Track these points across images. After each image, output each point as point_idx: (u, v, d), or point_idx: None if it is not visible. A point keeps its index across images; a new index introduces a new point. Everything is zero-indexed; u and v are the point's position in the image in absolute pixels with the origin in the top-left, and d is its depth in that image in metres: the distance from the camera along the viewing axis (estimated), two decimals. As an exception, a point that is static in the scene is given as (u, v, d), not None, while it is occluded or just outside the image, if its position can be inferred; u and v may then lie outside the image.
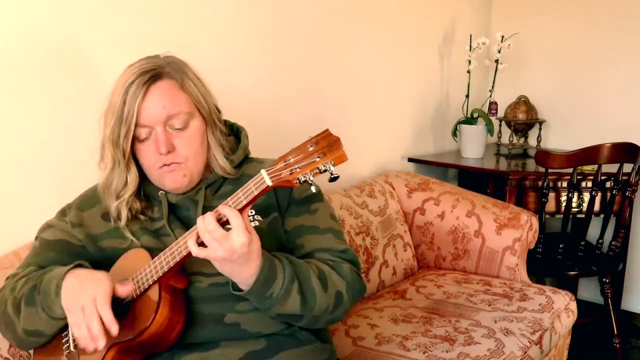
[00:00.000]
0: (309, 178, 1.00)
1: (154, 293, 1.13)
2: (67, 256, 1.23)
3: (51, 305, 1.13)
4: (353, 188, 2.30)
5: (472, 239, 2.30)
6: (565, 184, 2.55)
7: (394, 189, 2.44)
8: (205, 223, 1.03)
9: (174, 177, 1.21)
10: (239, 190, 1.05)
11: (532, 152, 3.00)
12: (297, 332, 1.25)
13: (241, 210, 1.05)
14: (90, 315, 1.07)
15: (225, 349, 1.19)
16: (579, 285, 3.17)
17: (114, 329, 1.08)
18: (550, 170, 2.39)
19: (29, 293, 1.17)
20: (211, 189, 1.27)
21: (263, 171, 1.02)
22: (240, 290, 1.12)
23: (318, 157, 0.99)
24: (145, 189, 1.27)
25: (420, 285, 2.17)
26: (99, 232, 1.27)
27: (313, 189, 1.04)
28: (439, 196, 2.39)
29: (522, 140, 3.10)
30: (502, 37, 2.78)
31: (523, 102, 3.03)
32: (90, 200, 1.31)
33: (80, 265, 1.17)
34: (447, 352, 1.66)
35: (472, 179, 2.88)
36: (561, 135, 3.14)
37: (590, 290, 3.14)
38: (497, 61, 2.83)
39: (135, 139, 1.19)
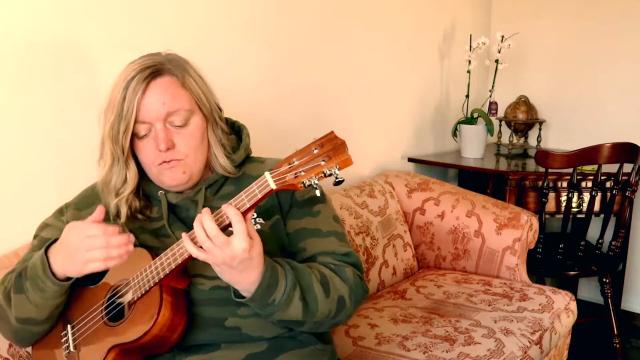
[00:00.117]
0: (314, 182, 0.98)
1: (155, 295, 1.12)
2: None
3: (42, 286, 1.13)
4: (353, 188, 2.30)
5: (472, 239, 2.30)
6: (565, 184, 2.55)
7: (394, 189, 2.44)
8: (206, 228, 1.01)
9: (173, 174, 1.20)
10: (242, 193, 1.04)
11: (532, 152, 3.00)
12: (299, 335, 1.24)
13: (244, 214, 1.03)
14: (102, 243, 1.07)
15: (226, 351, 1.19)
16: (579, 285, 3.17)
17: (124, 236, 1.08)
18: (550, 170, 2.39)
19: (15, 281, 1.18)
20: (212, 189, 1.26)
21: (267, 174, 1.01)
22: (242, 297, 1.10)
23: (323, 160, 0.98)
24: (144, 188, 1.26)
25: (420, 285, 2.17)
26: None
27: (317, 192, 1.02)
28: (439, 196, 2.39)
29: (522, 140, 3.10)
30: (502, 37, 2.78)
31: (523, 102, 3.03)
32: (88, 199, 1.30)
33: (56, 240, 1.17)
34: (447, 352, 1.66)
35: (472, 179, 2.88)
36: (561, 135, 3.14)
37: (590, 290, 3.14)
38: (497, 61, 2.83)
39: (134, 136, 1.18)
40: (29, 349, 1.30)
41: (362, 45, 2.48)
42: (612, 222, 2.56)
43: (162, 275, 1.11)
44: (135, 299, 1.14)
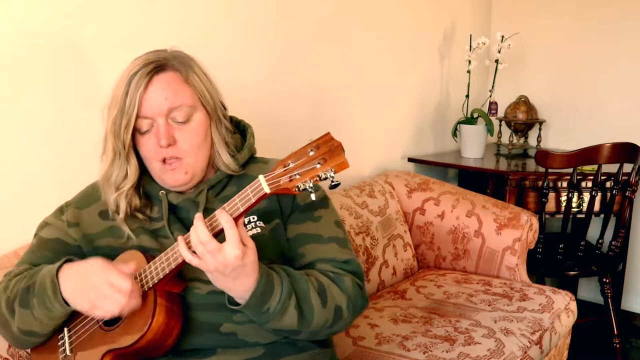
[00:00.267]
0: (309, 186, 0.96)
1: (149, 299, 1.11)
2: (62, 255, 1.21)
3: (50, 307, 1.13)
4: (353, 188, 2.30)
5: (472, 239, 2.30)
6: (565, 184, 2.55)
7: (394, 189, 2.44)
8: (199, 234, 1.00)
9: (175, 175, 1.19)
10: (235, 197, 1.02)
11: (532, 152, 3.00)
12: (296, 340, 1.22)
13: (237, 219, 1.02)
14: (118, 297, 1.07)
15: (222, 357, 1.18)
16: (579, 285, 3.17)
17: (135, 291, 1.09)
18: (550, 170, 2.39)
19: (22, 294, 1.17)
20: (213, 190, 1.24)
21: (261, 177, 0.99)
22: (236, 304, 1.09)
23: (319, 163, 0.95)
24: (145, 187, 1.25)
25: (420, 285, 2.17)
26: (95, 232, 1.26)
27: (313, 197, 1.00)
28: (439, 196, 2.39)
29: (522, 140, 3.10)
30: (502, 37, 2.78)
31: (523, 102, 3.03)
32: (88, 198, 1.30)
33: (69, 260, 1.17)
34: (447, 352, 1.66)
35: (472, 179, 2.88)
36: (561, 135, 3.14)
37: (590, 290, 3.14)
38: (497, 61, 2.83)
39: (137, 131, 1.17)
40: (29, 350, 1.30)
41: (362, 45, 2.48)
42: (612, 222, 2.56)
43: (156, 280, 1.10)
44: None
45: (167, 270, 1.09)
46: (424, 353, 1.66)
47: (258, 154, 1.34)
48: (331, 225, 1.26)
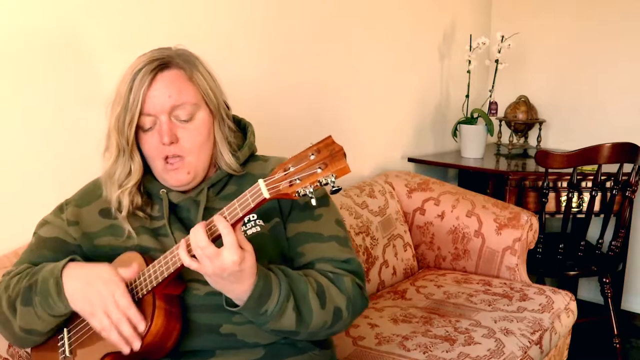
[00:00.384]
0: (309, 191, 0.95)
1: (148, 302, 1.11)
2: (61, 254, 1.21)
3: (53, 305, 1.13)
4: (353, 188, 2.30)
5: (472, 239, 2.30)
6: (565, 184, 2.55)
7: (394, 189, 2.44)
8: (196, 239, 1.00)
9: (177, 175, 1.19)
10: (235, 201, 1.02)
11: (532, 152, 3.00)
12: (296, 341, 1.22)
13: (235, 224, 1.01)
14: (118, 319, 1.08)
15: (221, 358, 1.18)
16: (579, 285, 3.17)
17: (142, 326, 1.08)
18: (550, 170, 2.39)
19: (24, 292, 1.17)
20: (214, 189, 1.24)
21: (261, 182, 0.99)
22: (235, 305, 1.09)
23: (319, 167, 0.94)
24: (146, 186, 1.24)
25: (420, 285, 2.17)
26: (95, 230, 1.25)
27: (314, 202, 0.99)
28: (439, 196, 2.39)
29: (522, 140, 3.10)
30: (502, 37, 2.78)
31: (523, 102, 3.03)
32: (89, 195, 1.30)
33: (72, 260, 1.17)
34: (447, 352, 1.66)
35: (472, 179, 2.88)
36: (561, 135, 3.14)
37: (590, 290, 3.14)
38: (497, 61, 2.83)
39: (140, 129, 1.17)
40: (28, 349, 1.30)
41: (362, 45, 2.48)
42: (612, 222, 2.56)
43: (154, 283, 1.10)
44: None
45: (165, 274, 1.09)
46: (424, 353, 1.66)
47: (258, 153, 1.33)
48: (331, 223, 1.26)
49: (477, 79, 3.02)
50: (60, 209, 1.29)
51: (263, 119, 1.93)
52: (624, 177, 2.42)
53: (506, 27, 2.94)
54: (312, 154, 0.95)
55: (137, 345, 1.08)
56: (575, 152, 2.30)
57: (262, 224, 1.21)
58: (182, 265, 1.06)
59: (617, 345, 2.55)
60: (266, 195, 0.98)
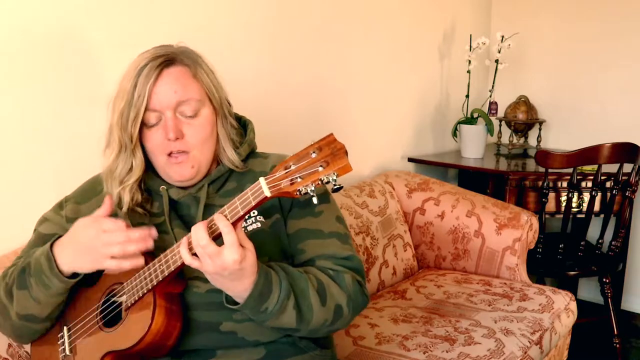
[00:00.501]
0: (310, 190, 0.95)
1: (148, 300, 1.11)
2: None
3: (47, 282, 1.13)
4: (353, 188, 2.30)
5: (472, 239, 2.30)
6: (565, 184, 2.55)
7: (394, 189, 2.44)
8: (197, 237, 1.00)
9: (181, 169, 1.19)
10: (236, 199, 1.02)
11: (532, 152, 3.00)
12: (297, 340, 1.22)
13: (236, 222, 1.01)
14: (120, 243, 1.07)
15: (222, 358, 1.18)
16: (579, 285, 3.17)
17: (142, 232, 1.09)
18: (550, 170, 2.39)
19: (18, 276, 1.17)
20: (214, 185, 1.24)
21: (262, 180, 0.98)
22: (235, 302, 1.09)
23: (321, 166, 0.93)
24: (146, 182, 1.24)
25: (420, 285, 2.17)
26: None
27: (315, 200, 0.98)
28: (439, 196, 2.39)
29: (522, 140, 3.10)
30: (502, 37, 2.78)
31: (523, 102, 3.03)
32: (88, 192, 1.30)
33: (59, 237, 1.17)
34: (447, 352, 1.66)
35: (472, 179, 2.88)
36: (561, 135, 3.14)
37: (590, 290, 3.14)
38: (497, 61, 2.83)
39: (143, 125, 1.17)
40: (28, 349, 1.30)
41: (362, 45, 2.48)
42: (612, 222, 2.56)
43: (155, 282, 1.10)
44: (130, 304, 1.13)
45: (166, 273, 1.09)
46: (424, 353, 1.66)
47: (258, 150, 1.34)
48: (332, 220, 1.26)
49: (477, 79, 3.02)
50: (60, 206, 1.30)
51: (263, 117, 1.93)
52: (624, 177, 2.42)
53: (506, 27, 2.94)
54: (314, 152, 0.95)
55: (152, 238, 1.09)
56: (575, 152, 2.30)
57: (263, 220, 1.21)
58: (183, 264, 1.06)
59: (617, 345, 2.55)
60: (267, 193, 0.98)
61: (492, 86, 2.90)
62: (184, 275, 1.17)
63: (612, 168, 2.42)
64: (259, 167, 1.26)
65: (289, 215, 1.24)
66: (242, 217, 1.02)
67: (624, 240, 2.71)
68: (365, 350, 1.70)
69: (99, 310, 1.18)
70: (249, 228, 1.20)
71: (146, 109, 1.14)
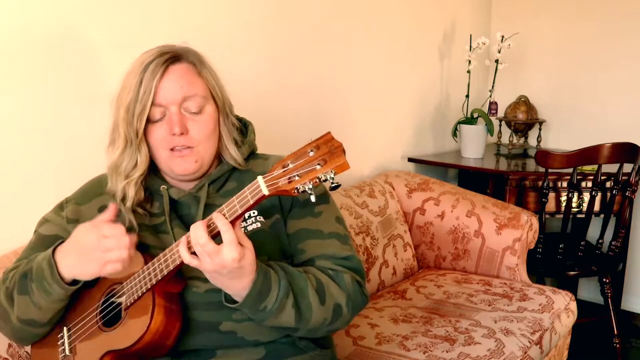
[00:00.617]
0: (308, 187, 0.95)
1: (148, 300, 1.11)
2: None
3: (48, 289, 1.13)
4: (353, 188, 2.30)
5: (472, 239, 2.30)
6: (565, 184, 2.55)
7: (394, 189, 2.44)
8: (196, 236, 1.01)
9: (185, 163, 1.19)
10: (234, 198, 1.02)
11: (532, 152, 3.00)
12: (297, 340, 1.22)
13: (234, 221, 1.02)
14: (119, 248, 1.07)
15: (222, 358, 1.18)
16: (579, 285, 3.17)
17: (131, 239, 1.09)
18: (550, 170, 2.39)
19: (20, 281, 1.17)
20: (214, 185, 1.24)
21: (260, 178, 0.99)
22: (233, 301, 1.09)
23: (318, 164, 0.94)
24: (147, 182, 1.25)
25: (420, 285, 2.17)
26: None
27: (313, 198, 0.99)
28: (439, 196, 2.39)
29: (522, 140, 3.10)
30: (502, 37, 2.78)
31: (523, 102, 3.03)
32: (88, 193, 1.30)
33: (62, 243, 1.17)
34: (447, 352, 1.66)
35: (472, 179, 2.88)
36: (561, 135, 3.14)
37: (590, 290, 3.14)
38: (497, 61, 2.83)
39: (148, 120, 1.17)
40: (28, 349, 1.30)
41: (362, 45, 2.48)
42: (612, 222, 2.56)
43: (154, 281, 1.10)
44: (129, 304, 1.13)
45: (165, 272, 1.09)
46: (424, 353, 1.66)
47: (258, 151, 1.34)
48: (331, 221, 1.26)
49: (477, 79, 3.02)
50: (61, 207, 1.30)
51: (263, 117, 1.93)
52: (624, 177, 2.42)
53: (506, 27, 2.94)
54: (311, 151, 0.95)
55: (133, 248, 1.10)
56: (575, 152, 2.30)
57: (263, 220, 1.22)
58: (182, 263, 1.06)
59: (617, 345, 2.55)
60: (265, 192, 0.98)
61: (492, 86, 2.90)
62: (182, 275, 1.17)
63: (612, 168, 2.42)
64: (259, 168, 1.27)
65: (289, 216, 1.24)
66: (240, 216, 1.02)
67: (624, 240, 2.71)
68: (365, 350, 1.70)
69: (98, 310, 1.18)
70: (249, 228, 1.20)
71: (152, 104, 1.15)
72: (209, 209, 1.19)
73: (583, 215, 2.47)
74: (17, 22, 1.44)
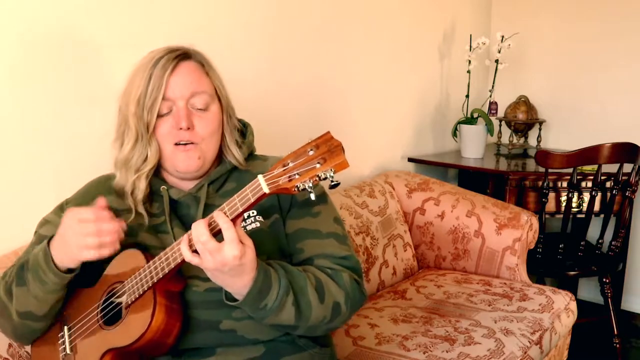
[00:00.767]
0: (308, 186, 0.96)
1: (149, 298, 1.11)
2: None
3: (44, 278, 1.13)
4: (353, 188, 2.30)
5: (472, 239, 2.30)
6: (565, 184, 2.55)
7: (394, 189, 2.44)
8: (198, 234, 1.01)
9: (189, 159, 1.20)
10: (235, 196, 1.03)
11: (532, 152, 3.00)
12: (296, 338, 1.23)
13: (235, 219, 1.02)
14: (94, 231, 1.08)
15: (222, 356, 1.18)
16: (579, 285, 3.17)
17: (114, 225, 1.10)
18: (550, 170, 2.39)
19: (17, 273, 1.18)
20: (214, 186, 1.25)
21: (260, 177, 1.00)
22: (234, 299, 1.09)
23: (318, 163, 0.95)
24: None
25: (420, 285, 2.17)
26: None
27: (312, 196, 1.00)
28: (439, 196, 2.39)
29: (522, 140, 3.10)
30: (502, 37, 2.78)
31: (523, 102, 3.03)
32: (89, 194, 1.30)
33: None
34: (447, 352, 1.66)
35: (472, 179, 2.88)
36: (561, 135, 3.14)
37: (590, 290, 3.14)
38: (497, 61, 2.83)
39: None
40: (29, 349, 1.30)
41: (362, 45, 2.48)
42: (612, 222, 2.56)
43: (155, 279, 1.10)
44: (130, 302, 1.13)
45: (166, 270, 1.09)
46: (424, 353, 1.66)
47: (257, 152, 1.35)
48: (330, 221, 1.27)
49: (477, 79, 3.02)
50: (61, 208, 1.30)
51: (263, 117, 1.93)
52: (624, 177, 2.42)
53: (506, 27, 2.94)
54: (311, 150, 0.97)
55: (122, 233, 1.11)
56: (575, 152, 2.30)
57: (262, 219, 1.23)
58: (183, 261, 1.07)
59: (617, 345, 2.55)
60: (266, 190, 0.99)
61: (492, 86, 2.90)
62: (183, 274, 1.17)
63: (612, 168, 2.42)
64: (258, 168, 1.28)
65: (288, 216, 1.25)
66: (241, 214, 1.03)
67: (624, 240, 2.71)
68: (365, 351, 1.70)
69: (99, 309, 1.18)
70: (248, 227, 1.21)
71: (162, 98, 1.17)
72: (208, 209, 1.19)
73: (583, 215, 2.47)
74: (17, 22, 1.44)
